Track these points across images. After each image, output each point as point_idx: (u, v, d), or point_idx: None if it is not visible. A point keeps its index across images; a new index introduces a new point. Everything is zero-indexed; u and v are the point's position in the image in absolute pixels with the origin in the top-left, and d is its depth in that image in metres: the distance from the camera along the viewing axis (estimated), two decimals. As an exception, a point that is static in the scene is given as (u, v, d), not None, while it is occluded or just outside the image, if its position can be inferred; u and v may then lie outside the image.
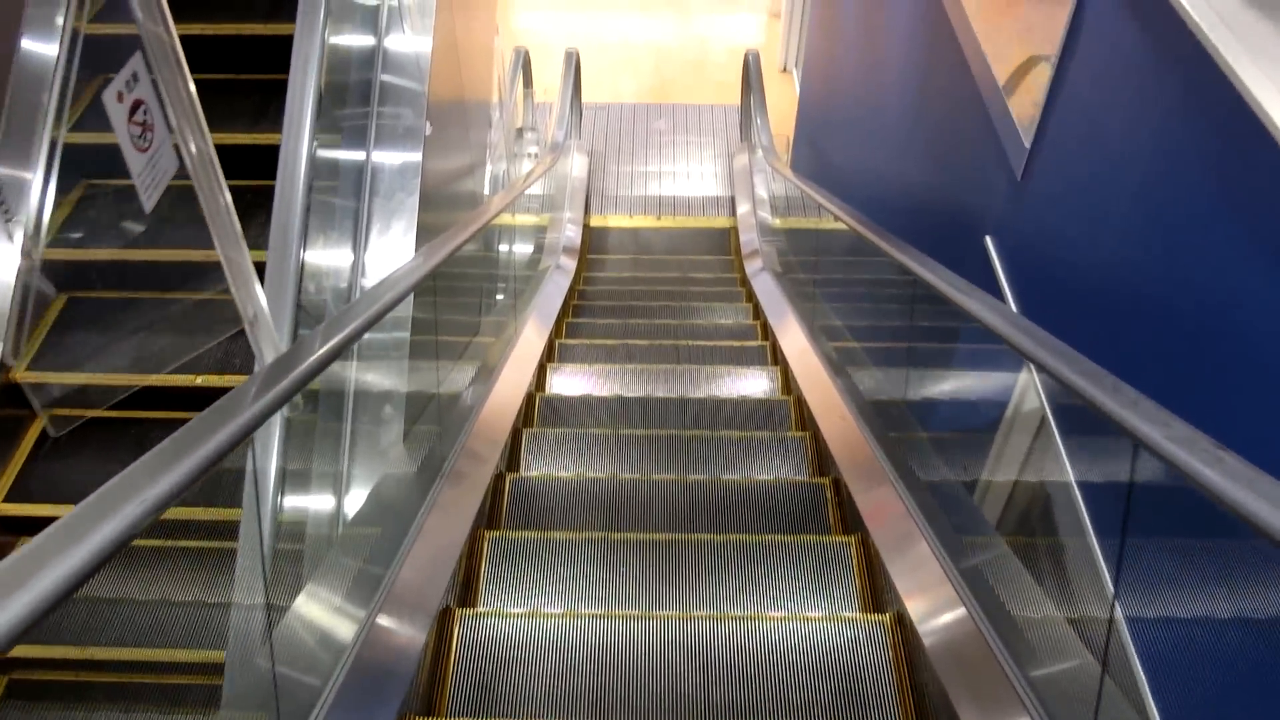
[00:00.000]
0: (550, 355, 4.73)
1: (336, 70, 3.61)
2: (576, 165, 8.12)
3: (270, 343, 2.36)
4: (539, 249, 6.11)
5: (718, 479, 3.19)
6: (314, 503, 2.79)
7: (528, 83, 8.07)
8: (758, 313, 5.57)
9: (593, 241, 7.67)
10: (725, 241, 7.67)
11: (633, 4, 10.98)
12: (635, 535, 2.71)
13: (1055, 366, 1.72)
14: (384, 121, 3.67)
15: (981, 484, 2.63)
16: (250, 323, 2.11)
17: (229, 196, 1.95)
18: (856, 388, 3.60)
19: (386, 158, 3.62)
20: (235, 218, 1.99)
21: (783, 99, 8.93)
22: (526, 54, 7.61)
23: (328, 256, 3.41)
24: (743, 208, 7.35)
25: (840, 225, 3.81)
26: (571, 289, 5.94)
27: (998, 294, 2.85)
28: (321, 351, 1.78)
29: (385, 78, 3.70)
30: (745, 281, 6.24)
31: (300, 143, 2.75)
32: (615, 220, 8.02)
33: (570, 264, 6.40)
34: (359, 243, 3.47)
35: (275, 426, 2.47)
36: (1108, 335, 2.29)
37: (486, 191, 6.64)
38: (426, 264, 2.75)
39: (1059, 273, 2.57)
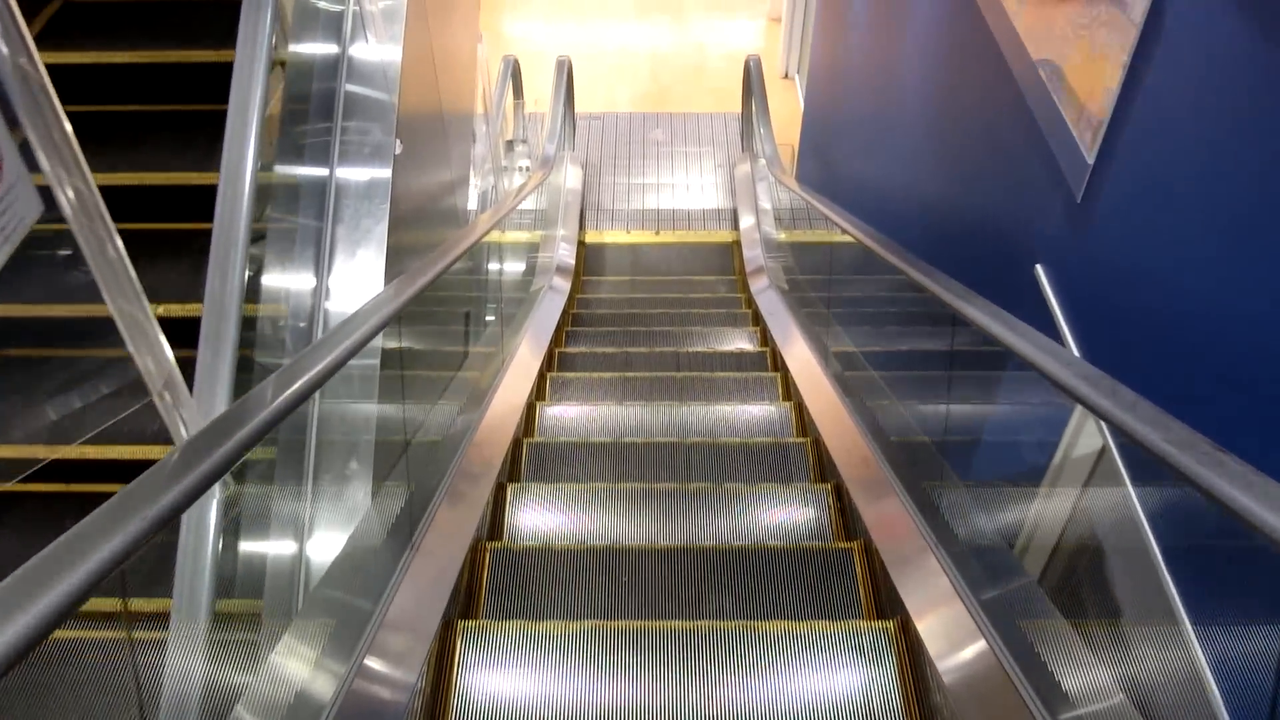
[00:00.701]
0: (540, 392, 4.33)
1: (295, 85, 3.26)
2: (570, 178, 7.74)
3: (194, 408, 1.97)
4: (530, 270, 5.72)
5: (729, 546, 2.78)
6: (259, 589, 2.40)
7: (518, 93, 7.69)
8: (765, 339, 5.17)
9: (588, 259, 7.28)
10: (728, 257, 7.28)
11: (628, 10, 10.61)
12: (638, 623, 2.31)
13: (1145, 435, 1.37)
14: (349, 138, 3.29)
15: (1043, 554, 2.23)
16: (158, 392, 1.71)
17: (120, 244, 1.56)
18: (880, 428, 3.21)
19: (352, 175, 3.25)
20: (129, 268, 1.59)
21: (784, 107, 8.56)
22: (515, 62, 7.24)
23: (286, 286, 3.05)
24: (746, 221, 6.96)
25: (853, 241, 3.42)
26: (565, 313, 5.54)
27: (1052, 332, 2.46)
28: (250, 428, 1.41)
29: (351, 89, 3.33)
30: (750, 302, 5.85)
31: (240, 183, 2.37)
32: (612, 236, 7.63)
33: (564, 284, 6.00)
34: (321, 268, 3.10)
35: (211, 501, 2.08)
36: (1198, 388, 1.90)
37: (473, 208, 6.26)
38: (395, 301, 2.37)
39: (1133, 312, 2.17)
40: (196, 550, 2.05)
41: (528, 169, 7.49)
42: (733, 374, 4.62)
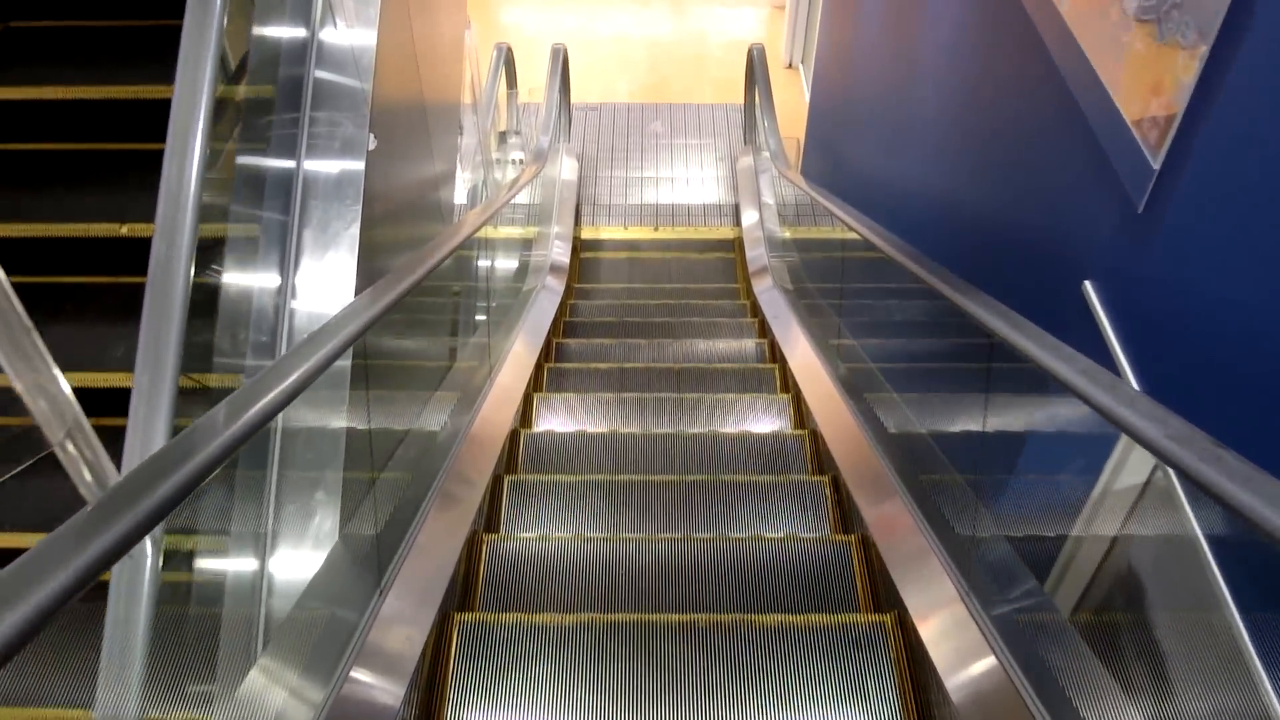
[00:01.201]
0: (525, 418, 4.04)
1: (260, 72, 2.96)
2: (566, 171, 7.43)
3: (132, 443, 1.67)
4: (522, 270, 5.42)
5: (745, 619, 2.50)
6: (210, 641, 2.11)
7: (511, 83, 7.38)
8: (774, 352, 4.87)
9: (584, 255, 6.98)
10: (729, 256, 6.98)
11: (626, -4, 10.29)
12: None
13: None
14: (318, 129, 3.00)
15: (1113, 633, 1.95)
16: (59, 444, 1.42)
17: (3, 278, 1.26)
18: (905, 463, 2.93)
19: (322, 169, 2.96)
20: (15, 303, 1.30)
21: (788, 98, 8.24)
22: (508, 50, 6.92)
23: (245, 294, 2.76)
24: (748, 218, 6.66)
25: (868, 245, 3.13)
26: (557, 320, 5.24)
27: (1104, 356, 2.17)
28: (190, 468, 1.16)
29: (320, 75, 3.03)
30: (756, 310, 5.54)
31: (185, 183, 2.07)
32: (609, 231, 7.33)
33: (558, 285, 5.70)
34: (287, 271, 2.81)
35: (144, 559, 1.79)
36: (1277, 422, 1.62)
37: (462, 202, 5.95)
38: (368, 311, 2.10)
39: (1204, 337, 1.88)
40: (127, 621, 1.76)
41: (521, 162, 7.18)
42: (742, 396, 4.33)
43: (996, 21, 2.87)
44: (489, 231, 4.32)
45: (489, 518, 3.19)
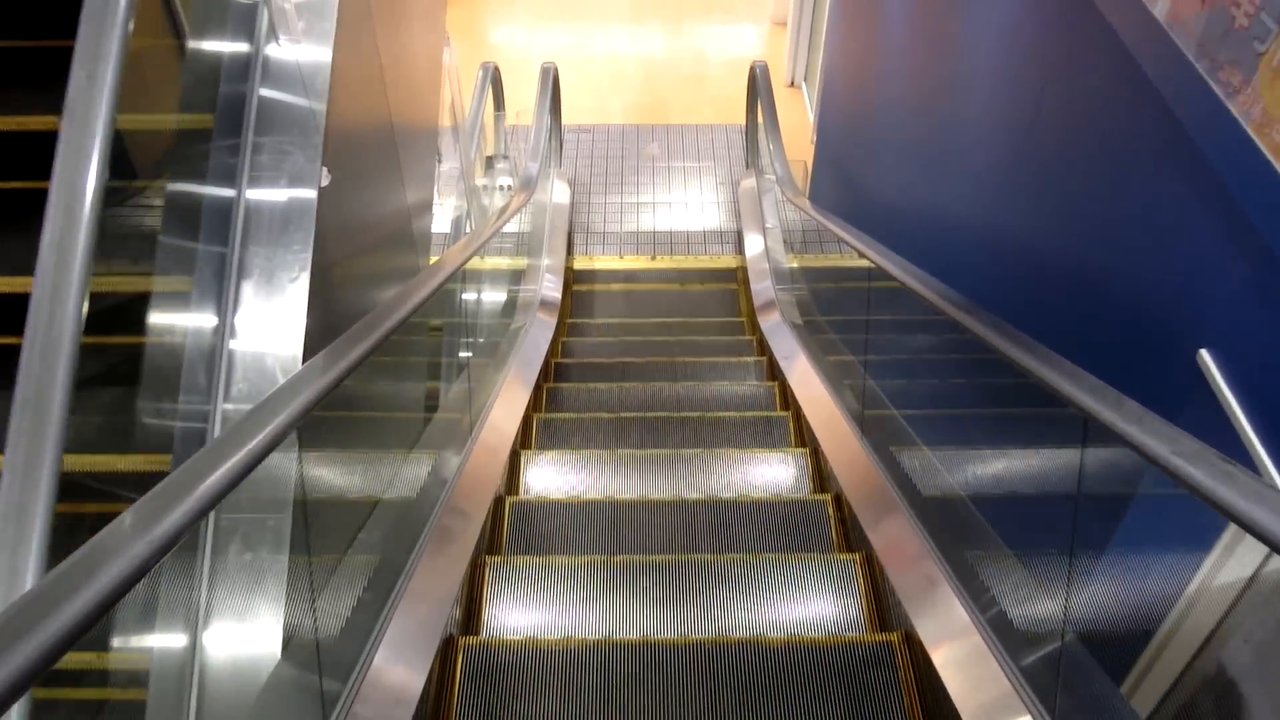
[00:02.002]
0: (512, 481, 3.58)
1: (195, 92, 2.55)
2: (557, 198, 7.00)
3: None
4: (509, 307, 4.97)
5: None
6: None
7: (498, 104, 6.96)
8: (785, 396, 4.42)
9: (576, 289, 6.53)
10: (733, 286, 6.53)
11: (620, 13, 9.88)
12: None
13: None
14: (263, 156, 2.57)
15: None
16: None
17: None
18: (945, 525, 2.48)
19: (266, 200, 2.53)
20: None
21: (791, 118, 7.83)
22: (496, 70, 6.49)
23: (169, 349, 2.32)
24: (752, 248, 6.22)
25: (898, 286, 2.70)
26: (548, 361, 4.79)
27: (1233, 448, 1.72)
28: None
29: (267, 94, 2.60)
30: (763, 347, 5.09)
31: (70, 262, 1.63)
32: (603, 261, 6.88)
33: (549, 322, 5.25)
34: (225, 314, 2.38)
35: None
36: None
37: (445, 232, 5.51)
38: (321, 379, 1.67)
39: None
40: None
41: (509, 189, 6.74)
42: (747, 451, 3.88)
43: (1069, 32, 2.43)
44: (474, 264, 3.89)
45: (468, 612, 2.73)
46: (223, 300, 2.42)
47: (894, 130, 4.13)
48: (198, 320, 2.38)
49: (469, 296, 4.57)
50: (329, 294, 2.76)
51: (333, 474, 2.35)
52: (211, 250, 2.46)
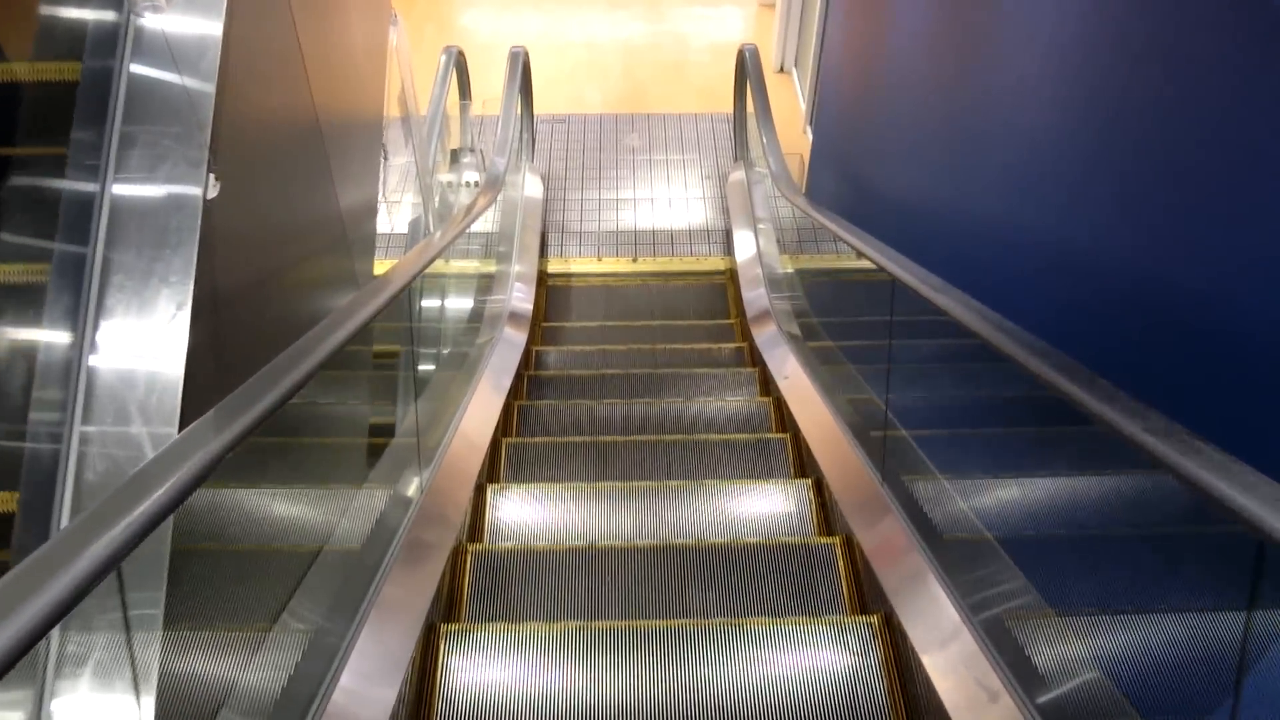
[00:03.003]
0: (476, 527, 3.04)
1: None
2: (529, 194, 6.43)
3: None
4: (472, 322, 4.41)
5: None
6: None
7: (464, 92, 6.38)
8: (781, 414, 3.89)
9: (550, 296, 5.97)
10: (722, 293, 5.99)
11: (596, -4, 9.30)
12: None
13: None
14: (135, 149, 2.04)
15: None
16: None
17: None
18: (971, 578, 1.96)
19: (135, 197, 2.02)
20: None
21: (781, 106, 7.27)
22: (460, 55, 5.91)
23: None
24: (743, 251, 5.67)
25: (929, 307, 2.18)
26: (518, 382, 4.24)
27: None
28: None
29: (138, 71, 2.08)
30: (755, 357, 4.56)
31: None
32: (580, 264, 6.33)
33: (518, 338, 4.69)
34: (85, 316, 1.92)
35: None
36: None
37: (403, 233, 4.95)
38: (206, 449, 1.20)
39: None
40: None
41: (477, 184, 6.18)
42: (741, 484, 3.36)
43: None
44: (433, 272, 3.36)
45: (419, 697, 2.20)
46: (82, 310, 1.91)
47: (913, 120, 3.59)
48: (49, 332, 1.90)
49: (427, 311, 4.03)
50: (228, 309, 2.22)
51: (246, 532, 1.84)
52: (69, 251, 1.94)
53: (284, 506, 2.10)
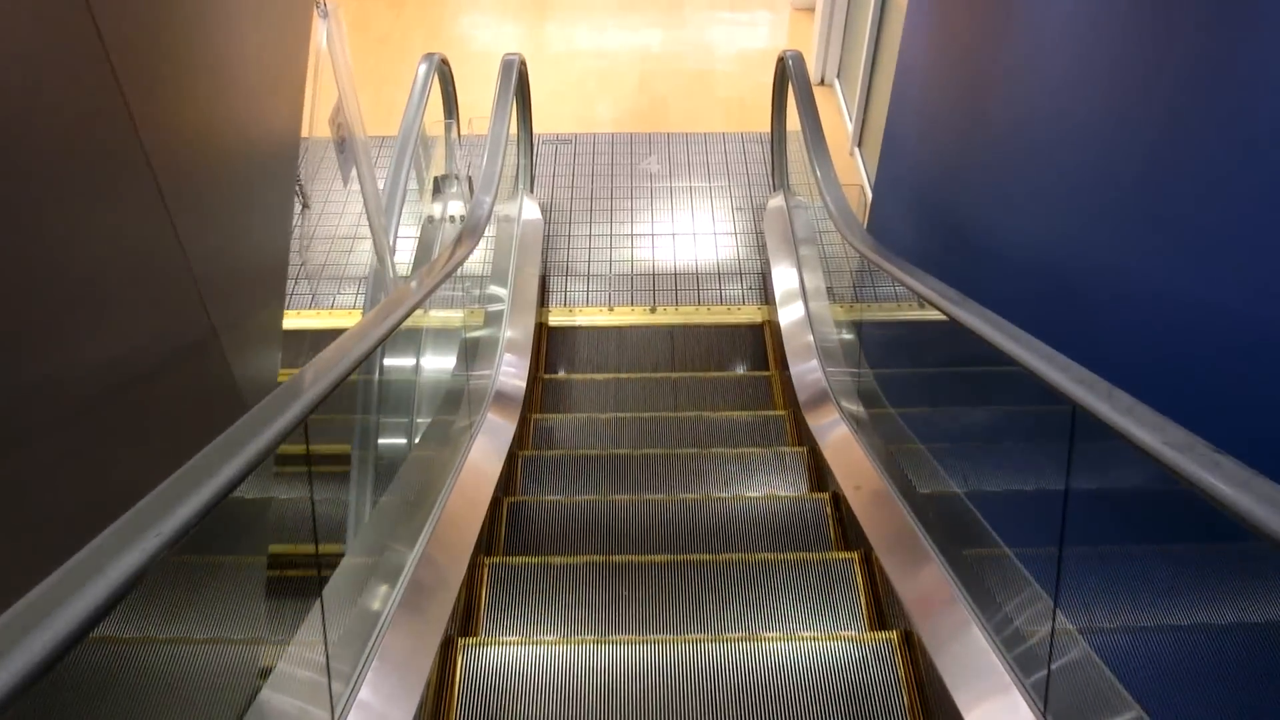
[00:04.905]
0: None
1: None
2: (527, 230, 5.36)
3: None
4: (443, 412, 3.33)
5: None
6: None
7: (450, 109, 5.33)
8: (869, 566, 2.79)
9: (549, 360, 4.88)
10: (762, 354, 4.89)
11: (609, 0, 8.24)
12: None
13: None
14: None
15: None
16: None
17: None
18: None
19: None
20: None
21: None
22: (443, 64, 4.89)
23: None
24: (789, 312, 4.56)
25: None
26: (499, 497, 3.13)
27: None
28: None
29: None
30: (816, 463, 3.43)
31: None
32: (587, 315, 5.24)
33: (505, 429, 3.59)
34: None
35: None
36: None
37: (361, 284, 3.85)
38: None
39: None
40: None
41: (461, 219, 5.10)
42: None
43: None
44: (413, 326, 2.27)
45: None
46: None
47: (1063, 140, 2.48)
48: None
49: (371, 412, 2.98)
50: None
51: None
52: None
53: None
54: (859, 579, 2.80)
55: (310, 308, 5.18)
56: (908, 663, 2.41)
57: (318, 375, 1.64)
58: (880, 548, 2.72)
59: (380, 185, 3.59)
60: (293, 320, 5.10)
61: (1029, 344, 1.86)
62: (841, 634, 2.56)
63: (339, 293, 5.25)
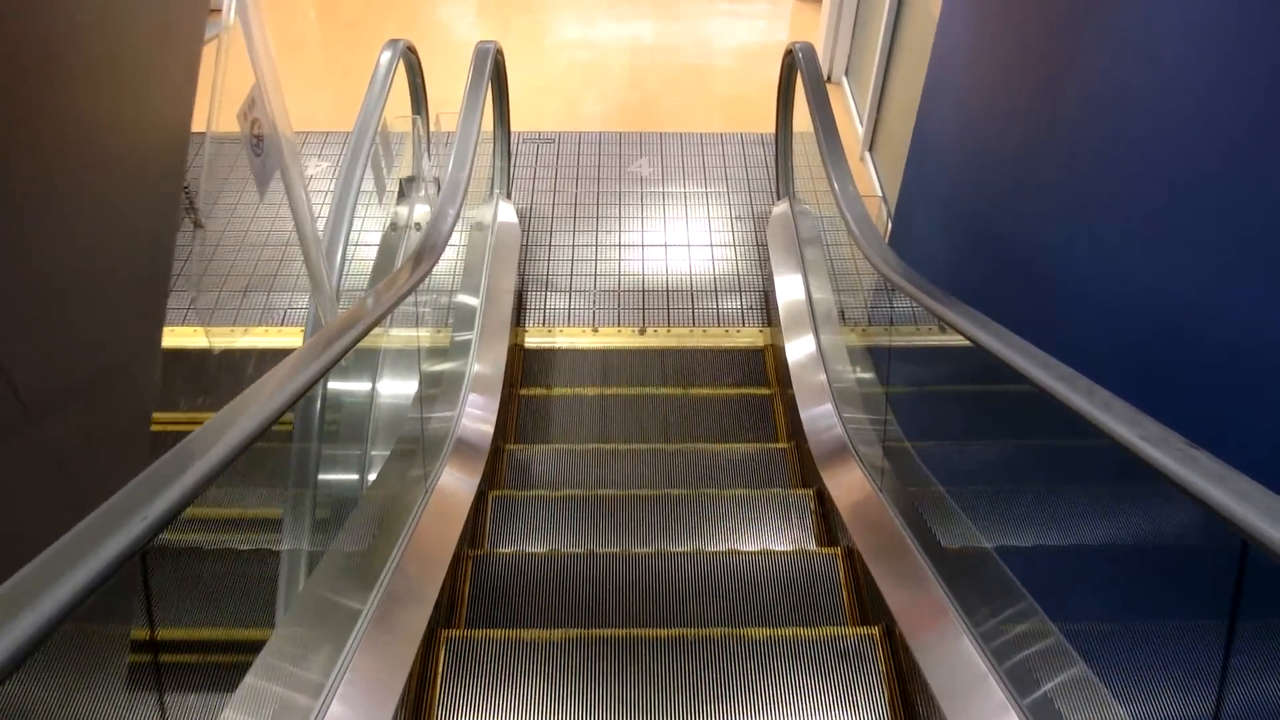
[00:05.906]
0: None
1: None
2: (500, 241, 4.79)
3: None
4: (402, 459, 2.77)
5: None
6: None
7: (418, 103, 4.78)
8: (898, 664, 2.24)
9: (523, 392, 4.32)
10: (760, 378, 4.34)
11: (598, -12, 7.67)
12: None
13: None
14: None
15: None
16: None
17: None
18: None
19: None
20: None
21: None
22: (409, 51, 4.35)
23: None
24: (797, 345, 4.01)
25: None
26: (455, 574, 2.57)
27: None
28: None
29: None
30: (828, 526, 2.88)
31: None
32: (568, 337, 4.69)
33: (465, 487, 3.03)
34: None
35: None
36: None
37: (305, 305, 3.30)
38: None
39: None
40: None
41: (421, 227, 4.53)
42: None
43: None
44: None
45: None
46: None
47: (1122, 161, 1.95)
48: None
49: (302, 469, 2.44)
50: None
51: None
52: None
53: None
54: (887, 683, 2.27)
55: (237, 324, 4.61)
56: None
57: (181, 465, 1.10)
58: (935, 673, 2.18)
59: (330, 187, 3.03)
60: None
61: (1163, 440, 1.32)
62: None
63: (267, 307, 4.68)
